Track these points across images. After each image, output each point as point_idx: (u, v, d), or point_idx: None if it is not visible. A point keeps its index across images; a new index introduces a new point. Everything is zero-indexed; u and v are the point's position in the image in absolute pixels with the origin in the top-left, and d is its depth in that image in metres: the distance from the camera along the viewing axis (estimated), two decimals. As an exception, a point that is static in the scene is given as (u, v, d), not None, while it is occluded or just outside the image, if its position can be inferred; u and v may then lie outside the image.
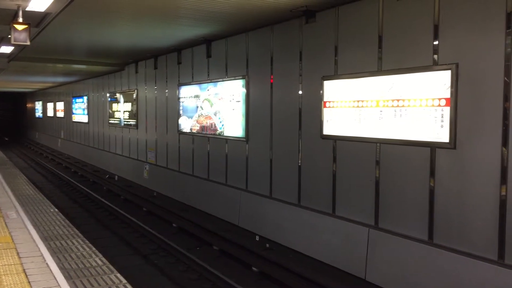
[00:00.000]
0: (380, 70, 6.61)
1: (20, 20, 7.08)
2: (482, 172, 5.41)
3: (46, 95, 31.49)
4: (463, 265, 5.52)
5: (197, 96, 11.56)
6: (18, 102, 42.75)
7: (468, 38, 5.51)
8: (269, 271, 7.41)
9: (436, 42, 5.84)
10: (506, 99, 5.12)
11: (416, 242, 6.11)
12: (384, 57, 6.57)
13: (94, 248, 5.73)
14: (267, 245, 8.48)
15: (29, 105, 39.11)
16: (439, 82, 5.73)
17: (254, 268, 7.62)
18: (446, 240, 5.80)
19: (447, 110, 5.66)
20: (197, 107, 11.55)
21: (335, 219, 7.45)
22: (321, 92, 7.58)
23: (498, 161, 5.22)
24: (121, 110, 17.18)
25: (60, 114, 27.49)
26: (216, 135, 10.78)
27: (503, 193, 5.19)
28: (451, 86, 5.59)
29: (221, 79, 10.53)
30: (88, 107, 21.92)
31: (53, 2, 6.98)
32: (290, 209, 8.42)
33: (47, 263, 4.70)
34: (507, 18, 5.09)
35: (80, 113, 23.32)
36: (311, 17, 7.82)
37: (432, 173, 5.96)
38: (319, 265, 7.44)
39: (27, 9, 7.23)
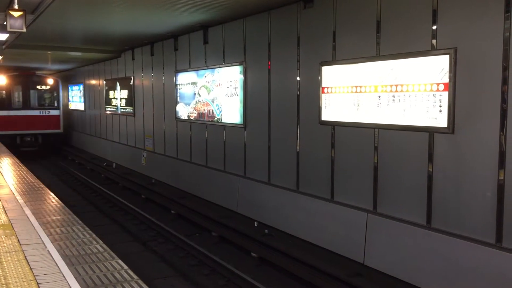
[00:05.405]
0: (378, 55, 6.59)
1: (16, 6, 7.02)
2: (480, 156, 5.44)
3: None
4: (461, 249, 5.57)
5: (194, 83, 11.52)
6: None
7: (466, 22, 5.49)
8: (268, 257, 7.46)
9: (434, 27, 5.82)
10: (504, 83, 5.12)
11: (414, 227, 6.16)
12: (382, 42, 6.55)
13: (94, 235, 5.73)
14: (266, 231, 8.53)
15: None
16: (437, 67, 5.73)
17: (253, 254, 7.68)
18: (444, 224, 5.84)
19: (445, 95, 5.66)
20: (195, 93, 11.51)
21: (333, 205, 7.48)
22: (319, 77, 7.56)
23: (496, 145, 5.24)
24: (118, 97, 17.11)
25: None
26: (214, 122, 10.77)
27: (501, 177, 5.22)
28: (450, 71, 5.59)
29: (218, 66, 10.48)
30: (85, 95, 21.81)
31: (48, -12, 6.92)
32: (289, 195, 8.45)
33: (48, 250, 4.71)
34: (506, 2, 5.06)
35: (76, 101, 23.21)
36: (308, 2, 7.77)
37: (430, 158, 5.98)
38: (318, 250, 7.49)
39: (23, -5, 7.17)
